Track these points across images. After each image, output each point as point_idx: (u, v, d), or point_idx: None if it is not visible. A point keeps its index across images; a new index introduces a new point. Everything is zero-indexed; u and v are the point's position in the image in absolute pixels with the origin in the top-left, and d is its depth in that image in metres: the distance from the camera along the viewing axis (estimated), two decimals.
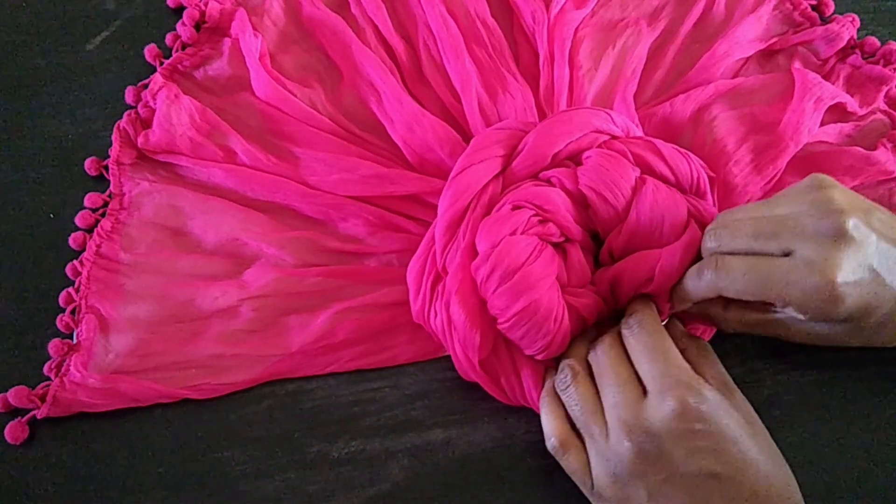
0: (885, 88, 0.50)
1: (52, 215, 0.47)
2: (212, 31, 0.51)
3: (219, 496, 0.41)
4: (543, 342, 0.39)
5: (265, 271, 0.45)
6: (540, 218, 0.40)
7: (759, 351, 0.44)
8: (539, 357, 0.40)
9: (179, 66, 0.50)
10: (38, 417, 0.42)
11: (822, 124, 0.48)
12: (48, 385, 0.42)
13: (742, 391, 0.43)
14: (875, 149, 0.47)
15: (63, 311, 0.44)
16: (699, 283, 0.38)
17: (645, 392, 0.36)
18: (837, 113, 0.49)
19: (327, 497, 0.41)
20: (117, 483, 0.41)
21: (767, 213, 0.37)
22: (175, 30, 0.51)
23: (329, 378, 0.44)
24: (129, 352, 0.43)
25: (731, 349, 0.44)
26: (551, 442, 0.39)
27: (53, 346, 0.43)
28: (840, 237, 0.34)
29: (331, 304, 0.44)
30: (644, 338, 0.37)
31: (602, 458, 0.36)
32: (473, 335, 0.40)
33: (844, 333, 0.38)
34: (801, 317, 0.36)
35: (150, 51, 0.51)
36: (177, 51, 0.51)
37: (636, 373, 0.37)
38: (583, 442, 0.38)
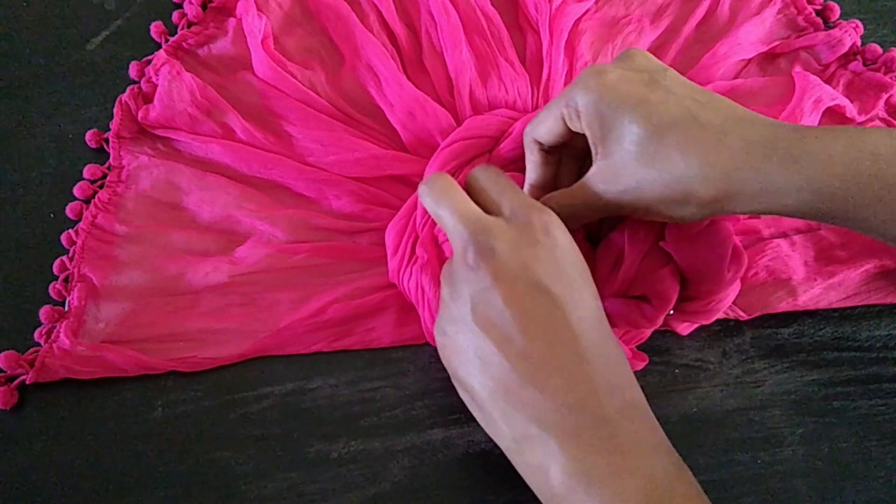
0: (884, 96, 0.50)
1: (51, 215, 0.47)
2: (217, 10, 0.52)
3: (219, 496, 0.41)
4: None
5: (256, 248, 0.45)
6: None
7: (759, 351, 0.44)
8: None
9: (184, 43, 0.50)
10: (28, 382, 0.42)
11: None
12: (38, 351, 0.43)
13: (742, 391, 0.43)
14: None
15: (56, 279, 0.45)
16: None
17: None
18: (836, 119, 0.49)
19: (327, 497, 0.41)
20: (117, 482, 0.41)
21: None
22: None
23: (329, 378, 0.44)
24: (118, 321, 0.44)
25: (731, 349, 0.44)
26: None
27: (45, 312, 0.44)
28: (621, 57, 0.37)
29: (321, 284, 0.45)
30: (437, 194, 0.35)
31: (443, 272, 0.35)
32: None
33: (653, 178, 0.34)
34: (595, 132, 0.35)
35: (156, 27, 0.51)
36: (182, 29, 0.51)
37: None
38: None
